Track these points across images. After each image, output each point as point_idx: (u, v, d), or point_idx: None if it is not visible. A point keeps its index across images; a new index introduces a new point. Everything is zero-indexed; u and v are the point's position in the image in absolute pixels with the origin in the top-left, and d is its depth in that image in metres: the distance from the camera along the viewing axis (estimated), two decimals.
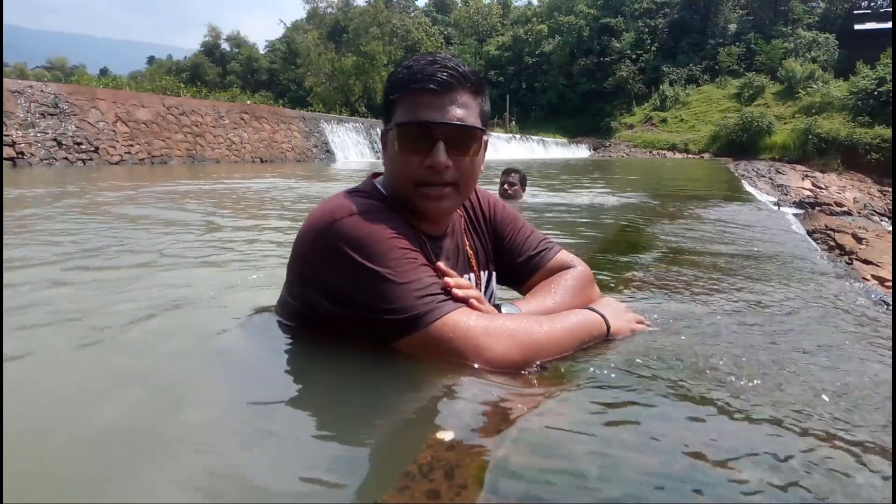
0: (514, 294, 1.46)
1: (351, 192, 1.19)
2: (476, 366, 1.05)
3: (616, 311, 1.30)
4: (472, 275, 1.33)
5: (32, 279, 2.15)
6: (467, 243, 1.35)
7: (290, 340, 1.27)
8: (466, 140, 1.15)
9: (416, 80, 1.12)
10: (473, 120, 1.16)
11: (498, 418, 0.93)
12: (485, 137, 1.22)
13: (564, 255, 1.42)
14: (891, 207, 14.50)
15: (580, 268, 1.41)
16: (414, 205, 1.17)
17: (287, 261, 1.24)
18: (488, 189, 1.66)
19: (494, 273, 1.42)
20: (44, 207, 4.76)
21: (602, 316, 1.23)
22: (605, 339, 1.22)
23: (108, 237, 3.32)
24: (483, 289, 1.36)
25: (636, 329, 1.30)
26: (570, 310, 1.24)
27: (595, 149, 41.96)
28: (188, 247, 3.08)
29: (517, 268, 1.40)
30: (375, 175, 1.28)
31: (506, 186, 5.16)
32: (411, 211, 1.19)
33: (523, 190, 5.28)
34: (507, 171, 5.27)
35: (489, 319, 1.09)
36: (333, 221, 1.09)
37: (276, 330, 1.30)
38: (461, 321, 1.06)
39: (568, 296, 1.32)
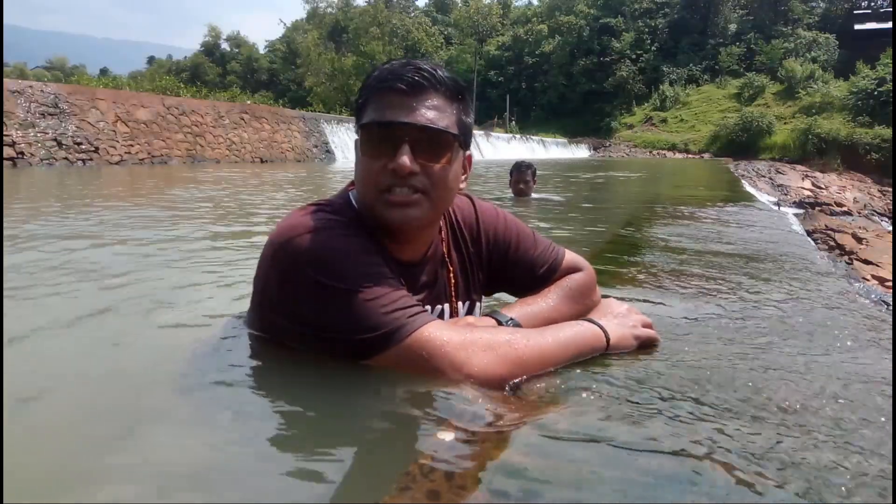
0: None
1: (316, 207, 1.11)
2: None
3: (619, 319, 1.23)
4: (446, 305, 1.25)
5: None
6: (450, 270, 1.25)
7: (275, 347, 1.20)
8: (435, 145, 1.05)
9: (384, 79, 1.05)
10: (446, 124, 1.06)
11: (498, 419, 0.93)
12: (464, 151, 1.13)
13: (570, 257, 1.35)
14: (891, 207, 14.49)
15: (584, 272, 1.33)
16: (379, 215, 1.07)
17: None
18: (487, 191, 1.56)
19: (478, 303, 1.33)
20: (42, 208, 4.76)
21: (602, 328, 1.16)
22: (605, 352, 1.16)
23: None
24: None
25: (642, 336, 1.23)
26: (567, 322, 1.18)
27: (595, 149, 41.95)
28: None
29: (538, 280, 1.30)
30: (353, 184, 1.17)
31: (521, 186, 5.09)
32: (380, 225, 1.10)
33: (534, 182, 5.23)
34: (520, 167, 5.18)
35: (466, 332, 1.03)
36: (291, 239, 1.03)
37: (257, 339, 1.24)
38: (435, 335, 1.00)
39: (562, 300, 1.26)
